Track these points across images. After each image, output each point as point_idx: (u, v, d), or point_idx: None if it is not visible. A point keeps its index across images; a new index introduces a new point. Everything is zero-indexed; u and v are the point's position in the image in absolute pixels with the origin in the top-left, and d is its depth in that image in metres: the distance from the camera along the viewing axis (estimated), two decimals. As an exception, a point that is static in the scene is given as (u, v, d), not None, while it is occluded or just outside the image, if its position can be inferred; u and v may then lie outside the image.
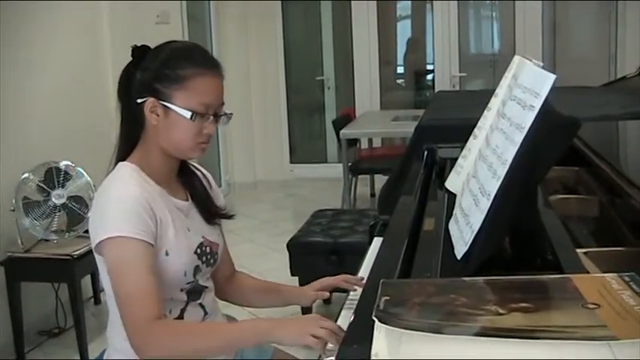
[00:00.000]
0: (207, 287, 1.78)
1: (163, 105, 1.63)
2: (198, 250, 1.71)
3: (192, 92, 1.62)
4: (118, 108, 1.73)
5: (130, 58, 1.71)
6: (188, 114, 1.61)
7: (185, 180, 1.80)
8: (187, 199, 1.78)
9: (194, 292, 1.73)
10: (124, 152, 1.72)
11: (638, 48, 6.08)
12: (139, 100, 1.65)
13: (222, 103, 1.68)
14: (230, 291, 1.92)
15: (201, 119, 1.63)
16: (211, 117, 1.65)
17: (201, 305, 1.75)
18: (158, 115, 1.64)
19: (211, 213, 1.81)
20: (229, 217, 1.87)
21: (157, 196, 1.65)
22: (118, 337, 1.68)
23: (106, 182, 1.65)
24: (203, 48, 1.74)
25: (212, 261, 1.77)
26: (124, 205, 1.57)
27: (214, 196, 1.86)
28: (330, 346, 1.41)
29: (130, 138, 1.71)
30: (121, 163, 1.69)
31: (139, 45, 1.70)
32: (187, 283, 1.70)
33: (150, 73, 1.64)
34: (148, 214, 1.59)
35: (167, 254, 1.63)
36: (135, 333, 1.51)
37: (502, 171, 1.22)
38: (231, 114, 1.72)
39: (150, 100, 1.63)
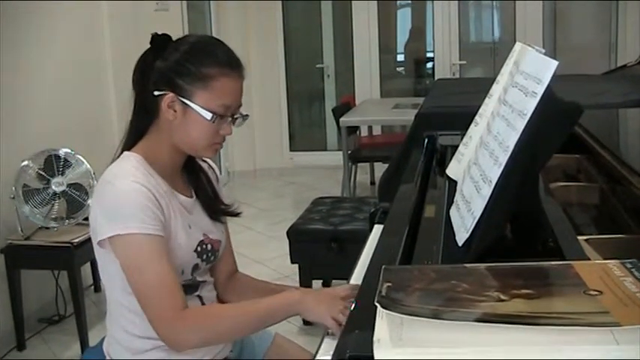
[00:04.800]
0: (205, 281, 1.77)
1: (183, 102, 1.58)
2: (199, 249, 1.69)
3: (215, 93, 1.57)
4: (132, 96, 1.67)
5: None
6: (209, 115, 1.57)
7: (191, 175, 1.77)
8: (192, 196, 1.74)
9: (191, 287, 1.72)
10: (132, 141, 1.67)
11: (639, 37, 6.06)
12: (156, 93, 1.59)
13: (240, 104, 1.64)
14: (229, 291, 1.87)
15: (219, 120, 1.59)
16: (229, 118, 1.62)
17: (199, 297, 1.74)
18: (175, 111, 1.59)
19: (215, 210, 1.78)
20: (235, 214, 1.83)
21: (161, 191, 1.61)
22: (117, 328, 1.68)
23: (110, 173, 1.60)
24: (227, 45, 1.66)
25: (212, 258, 1.75)
26: (133, 200, 1.53)
27: (219, 191, 1.83)
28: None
29: (140, 128, 1.66)
30: (126, 153, 1.64)
31: (159, 33, 1.64)
32: (184, 281, 1.68)
33: (171, 65, 1.58)
34: (156, 207, 1.56)
35: None
36: (165, 327, 1.51)
37: (504, 158, 1.21)
38: (247, 115, 1.67)
39: (169, 95, 1.58)
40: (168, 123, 1.61)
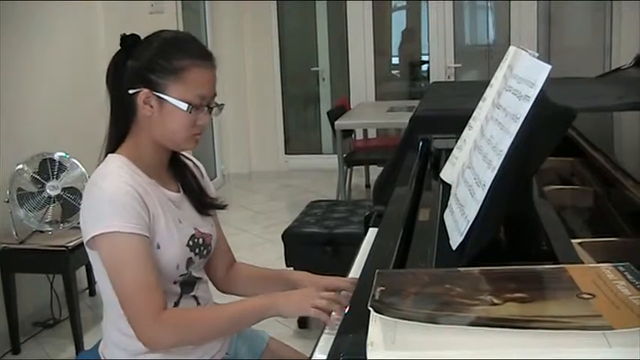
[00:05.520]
0: (200, 278, 1.78)
1: (158, 96, 1.60)
2: (190, 242, 1.70)
3: (188, 84, 1.59)
4: (108, 98, 1.69)
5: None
6: (184, 106, 1.59)
7: (176, 171, 1.78)
8: (179, 191, 1.76)
9: (187, 284, 1.73)
10: (114, 143, 1.69)
11: (633, 39, 6.08)
12: (131, 91, 1.62)
13: (215, 94, 1.67)
14: (231, 282, 1.90)
15: (196, 111, 1.61)
16: (205, 108, 1.64)
17: (195, 297, 1.75)
18: (152, 107, 1.61)
19: (203, 204, 1.80)
20: (222, 207, 1.85)
21: (148, 188, 1.63)
22: (113, 330, 1.68)
23: (96, 175, 1.62)
24: (195, 38, 1.71)
25: (205, 252, 1.76)
26: (117, 199, 1.55)
27: (205, 187, 1.85)
28: (334, 315, 1.46)
29: (121, 129, 1.68)
30: (110, 155, 1.66)
31: (128, 34, 1.67)
32: (180, 276, 1.69)
33: (143, 63, 1.61)
34: (141, 207, 1.57)
35: (159, 247, 1.62)
36: (142, 327, 1.52)
37: (497, 161, 1.22)
38: (223, 105, 1.70)
39: (144, 92, 1.60)
40: (146, 120, 1.63)
